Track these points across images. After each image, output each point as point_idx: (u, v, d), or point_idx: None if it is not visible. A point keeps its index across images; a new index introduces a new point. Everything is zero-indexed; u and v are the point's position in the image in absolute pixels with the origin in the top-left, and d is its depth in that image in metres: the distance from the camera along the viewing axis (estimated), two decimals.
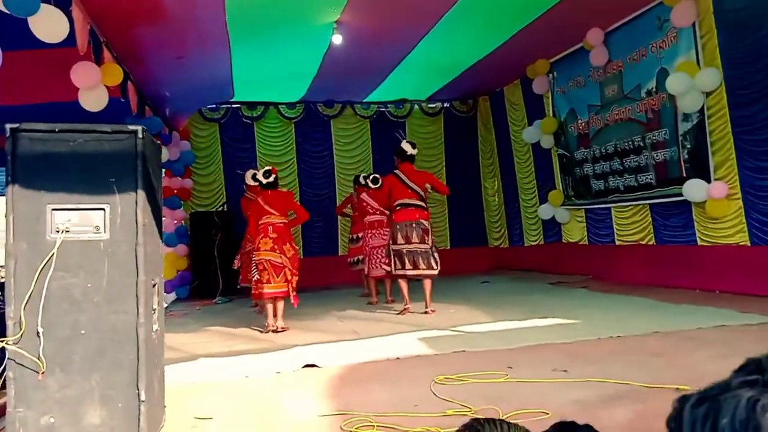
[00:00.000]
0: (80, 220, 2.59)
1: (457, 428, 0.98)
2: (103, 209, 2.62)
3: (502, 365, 3.66)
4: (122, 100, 7.00)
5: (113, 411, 2.51)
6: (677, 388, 2.91)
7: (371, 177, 8.01)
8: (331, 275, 9.91)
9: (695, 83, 6.39)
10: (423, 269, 6.33)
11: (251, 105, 10.81)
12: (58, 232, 2.54)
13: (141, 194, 2.66)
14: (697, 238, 6.71)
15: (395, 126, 11.09)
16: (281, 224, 6.01)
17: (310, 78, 9.34)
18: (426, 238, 6.37)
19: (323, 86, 9.80)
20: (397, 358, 4.10)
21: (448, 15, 7.10)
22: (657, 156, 7.24)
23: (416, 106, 11.50)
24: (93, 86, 6.03)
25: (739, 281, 5.99)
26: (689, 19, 6.50)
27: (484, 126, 11.68)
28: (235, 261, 7.72)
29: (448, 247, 11.19)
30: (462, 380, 3.36)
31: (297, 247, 6.22)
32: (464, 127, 11.63)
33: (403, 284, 6.46)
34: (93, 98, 5.96)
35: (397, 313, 6.41)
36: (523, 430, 0.93)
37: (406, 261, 6.34)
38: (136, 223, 2.64)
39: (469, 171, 11.57)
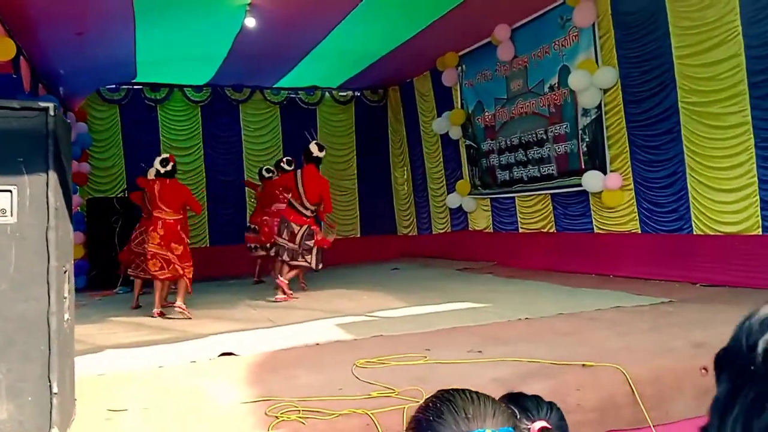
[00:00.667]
0: None
1: (426, 398, 1.01)
2: (10, 191, 2.45)
3: (420, 348, 3.75)
4: (14, 76, 6.52)
5: (22, 405, 2.36)
6: (584, 364, 3.12)
7: (286, 160, 7.99)
8: (239, 264, 9.71)
9: (594, 80, 6.79)
10: (287, 259, 6.76)
11: (155, 87, 10.36)
12: None
13: (52, 175, 2.51)
14: (594, 226, 7.16)
15: (306, 113, 11.02)
16: (171, 221, 5.92)
17: (219, 60, 9.07)
18: (294, 238, 6.74)
19: (232, 70, 9.55)
20: (317, 344, 4.11)
21: (362, 4, 7.12)
22: (558, 148, 7.64)
23: (327, 94, 11.46)
24: None
25: (631, 266, 6.46)
26: (589, 20, 6.89)
27: (394, 116, 11.82)
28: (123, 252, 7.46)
29: (358, 235, 11.28)
30: (383, 363, 3.43)
31: (187, 241, 6.13)
32: (375, 116, 11.72)
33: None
34: None
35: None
36: (491, 398, 0.98)
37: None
38: (47, 206, 2.49)
39: (379, 160, 11.69)
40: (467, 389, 1.00)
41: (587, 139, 7.18)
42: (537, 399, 1.16)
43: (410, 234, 11.49)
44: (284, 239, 6.75)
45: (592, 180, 6.90)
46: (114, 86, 10.13)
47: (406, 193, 11.64)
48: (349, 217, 11.29)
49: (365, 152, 11.52)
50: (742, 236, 5.42)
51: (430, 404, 0.97)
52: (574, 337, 3.84)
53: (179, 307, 5.72)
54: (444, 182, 10.24)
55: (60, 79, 8.58)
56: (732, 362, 0.46)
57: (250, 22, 7.23)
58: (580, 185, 7.11)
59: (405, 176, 11.65)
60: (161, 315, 5.85)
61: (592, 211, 7.19)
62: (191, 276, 5.92)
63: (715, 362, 0.49)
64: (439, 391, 1.02)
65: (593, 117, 7.07)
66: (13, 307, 2.40)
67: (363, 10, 7.29)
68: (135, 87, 10.25)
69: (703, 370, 3.12)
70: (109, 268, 8.39)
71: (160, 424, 2.68)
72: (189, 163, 10.33)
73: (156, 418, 2.76)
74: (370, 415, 2.58)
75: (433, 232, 10.69)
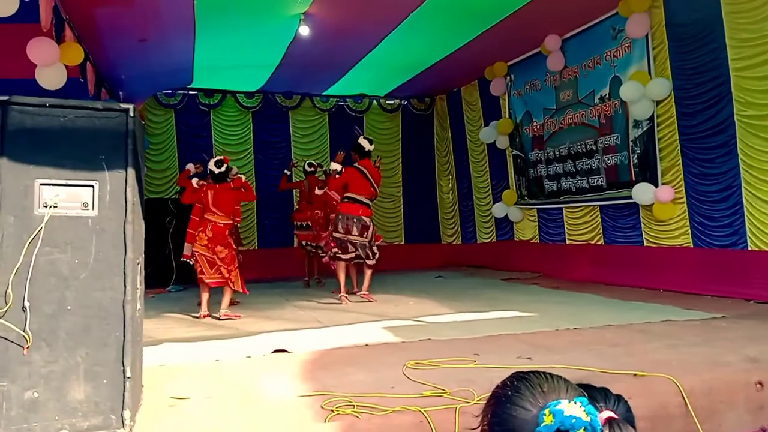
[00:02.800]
0: (68, 196, 2.58)
1: (502, 380, 1.08)
2: (92, 186, 2.62)
3: (468, 352, 3.80)
4: (81, 80, 6.83)
5: (98, 387, 2.51)
6: (635, 374, 3.12)
7: (308, 163, 8.83)
8: (285, 266, 9.90)
9: (646, 92, 6.73)
10: (363, 259, 6.82)
11: (209, 92, 10.67)
12: (46, 207, 2.53)
13: (130, 172, 2.67)
14: (644, 239, 7.07)
15: (354, 120, 11.18)
16: (221, 225, 6.10)
17: (271, 68, 9.30)
18: (365, 233, 6.81)
19: (284, 77, 9.78)
20: (366, 345, 4.20)
21: (413, 15, 7.22)
22: (608, 160, 7.58)
23: (374, 102, 11.60)
24: (50, 63, 5.88)
25: (681, 280, 6.36)
26: (643, 31, 6.83)
27: (440, 124, 11.89)
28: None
29: (402, 243, 11.36)
30: (433, 365, 3.49)
31: (234, 246, 6.32)
32: (421, 124, 11.81)
33: (341, 272, 6.83)
34: (51, 76, 5.81)
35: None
36: (562, 377, 1.05)
37: (349, 247, 6.78)
38: (125, 201, 2.65)
39: (425, 168, 11.76)
40: (538, 371, 1.07)
41: (638, 151, 7.11)
42: (605, 390, 1.21)
43: (454, 243, 11.51)
44: (355, 235, 6.74)
45: (642, 192, 6.83)
46: (170, 91, 10.47)
47: (450, 202, 11.68)
48: (394, 224, 11.39)
49: (411, 160, 11.61)
50: None
51: (508, 382, 1.05)
52: (624, 348, 3.82)
53: (224, 315, 5.81)
54: (490, 191, 10.24)
55: (121, 83, 8.95)
56: None
57: (304, 31, 7.40)
58: (630, 197, 7.04)
59: (450, 185, 11.68)
60: (209, 317, 5.94)
61: (642, 224, 7.10)
62: (238, 280, 6.03)
63: None
64: (513, 373, 1.10)
65: (645, 129, 7.00)
66: (92, 295, 2.56)
67: (413, 21, 7.40)
68: (190, 92, 10.58)
69: (759, 385, 3.09)
70: (163, 267, 8.66)
71: (222, 412, 2.80)
72: (240, 168, 10.57)
73: (218, 406, 2.89)
74: (424, 413, 2.65)
75: (478, 242, 10.69)
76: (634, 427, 1.11)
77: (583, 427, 0.90)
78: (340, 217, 6.84)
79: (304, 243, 8.54)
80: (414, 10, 7.08)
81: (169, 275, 8.51)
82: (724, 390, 3.04)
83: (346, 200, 6.87)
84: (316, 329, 4.94)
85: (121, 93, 9.19)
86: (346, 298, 6.66)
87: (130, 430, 2.50)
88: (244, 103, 10.87)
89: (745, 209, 5.81)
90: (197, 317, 5.90)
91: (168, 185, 10.26)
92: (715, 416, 2.95)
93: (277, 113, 11.01)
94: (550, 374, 1.04)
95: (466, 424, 2.66)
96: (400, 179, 11.53)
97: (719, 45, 5.95)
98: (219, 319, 5.76)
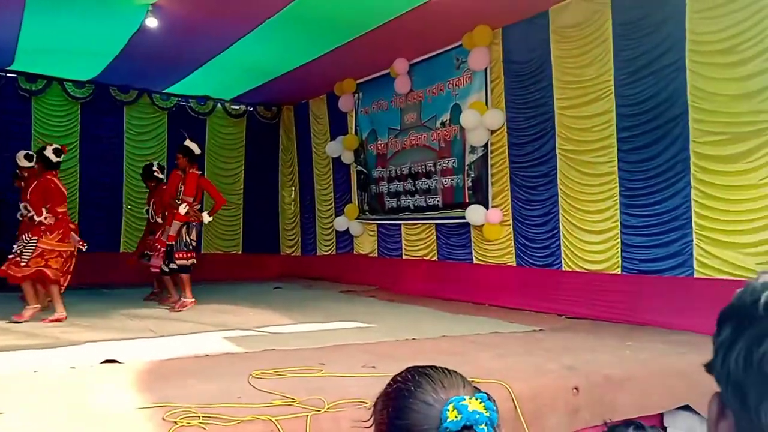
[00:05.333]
0: None
1: (396, 375, 1.10)
2: None
3: (314, 362, 3.80)
4: None
5: None
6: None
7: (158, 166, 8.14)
8: (111, 273, 9.19)
9: (483, 121, 7.27)
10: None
11: (31, 77, 9.62)
12: None
13: None
14: (474, 257, 7.59)
15: (195, 122, 10.72)
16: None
17: (109, 58, 8.63)
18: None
19: (121, 69, 9.11)
20: (207, 355, 4.03)
21: (268, 22, 7.14)
22: (445, 181, 8.05)
23: (219, 105, 11.24)
24: None
25: (505, 296, 6.91)
26: (483, 64, 7.39)
27: (286, 135, 11.82)
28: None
29: (240, 252, 11.07)
30: (279, 374, 3.44)
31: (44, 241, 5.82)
32: (267, 133, 11.64)
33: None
34: None
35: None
36: (459, 373, 1.08)
37: None
38: None
39: (268, 177, 11.59)
40: (435, 365, 1.10)
41: (473, 175, 7.63)
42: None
43: (293, 254, 11.45)
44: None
45: (474, 214, 7.33)
46: None
47: (292, 213, 11.62)
48: (233, 232, 11.07)
49: (254, 168, 11.37)
50: (603, 274, 6.00)
51: (408, 376, 1.06)
52: (460, 357, 4.06)
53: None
54: (333, 205, 10.37)
55: None
56: (736, 314, 0.59)
57: (152, 22, 6.99)
58: (463, 217, 7.53)
59: (293, 196, 11.64)
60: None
61: (472, 243, 7.62)
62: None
63: (719, 316, 0.63)
64: (409, 368, 1.12)
65: (480, 155, 7.54)
66: None
67: (267, 28, 7.32)
68: (9, 75, 9.47)
69: (575, 390, 3.45)
70: None
71: (46, 427, 2.52)
72: (64, 162, 9.63)
73: (40, 421, 2.59)
74: (274, 422, 2.60)
75: (318, 254, 10.74)
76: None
77: (484, 423, 0.94)
78: (194, 225, 6.87)
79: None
80: (269, 18, 7.01)
81: None
82: (547, 395, 3.35)
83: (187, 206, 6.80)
84: (149, 339, 4.65)
85: None
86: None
87: None
88: (72, 93, 9.96)
89: (561, 233, 6.47)
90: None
91: None
92: (539, 419, 3.24)
93: (110, 107, 10.22)
94: (447, 370, 1.07)
95: (317, 431, 2.66)
96: (242, 187, 11.26)
97: (548, 84, 6.61)
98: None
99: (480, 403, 0.96)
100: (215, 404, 2.81)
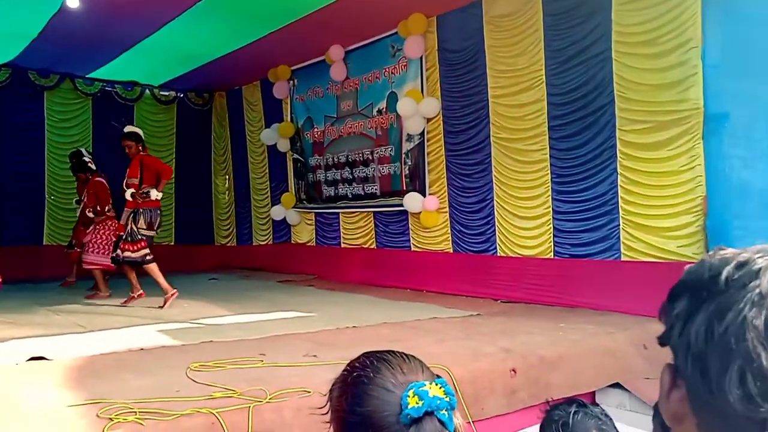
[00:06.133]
0: None
1: (353, 360, 1.08)
2: None
3: (254, 353, 3.75)
4: None
5: None
6: None
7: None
8: (34, 267, 8.75)
9: (419, 109, 7.32)
10: None
11: None
12: None
13: None
14: (411, 244, 7.67)
15: (123, 109, 10.30)
16: None
17: (27, 40, 8.15)
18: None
19: (41, 52, 8.63)
20: (141, 349, 3.90)
21: (198, 5, 6.92)
22: (383, 169, 8.08)
23: (148, 91, 10.82)
24: None
25: (442, 282, 7.02)
26: (418, 52, 7.42)
27: (218, 122, 11.54)
28: None
29: (173, 243, 10.75)
30: (219, 366, 3.38)
31: None
32: (198, 120, 11.31)
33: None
34: None
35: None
36: (417, 358, 1.08)
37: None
38: None
39: (201, 166, 11.26)
40: (393, 350, 1.10)
41: (410, 163, 7.69)
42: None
43: (229, 244, 11.23)
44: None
45: (412, 201, 7.39)
46: None
47: (227, 202, 11.38)
48: (165, 223, 10.70)
49: (185, 156, 11.00)
50: (536, 259, 6.19)
51: (367, 362, 1.05)
52: (401, 344, 4.08)
53: None
54: (269, 194, 10.22)
55: None
56: (692, 288, 0.61)
57: (72, 3, 6.65)
58: (401, 205, 7.58)
59: (227, 185, 11.38)
60: None
61: (410, 230, 7.69)
62: None
63: (671, 291, 0.65)
64: (365, 353, 1.11)
65: (416, 143, 7.59)
66: None
67: (197, 11, 7.08)
68: None
69: (512, 372, 3.55)
70: None
71: None
72: None
73: None
74: (216, 414, 2.56)
75: (254, 244, 10.58)
76: None
77: (444, 408, 0.95)
78: (150, 212, 6.46)
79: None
80: (200, 1, 6.79)
81: None
82: (486, 378, 3.44)
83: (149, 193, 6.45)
84: (79, 334, 4.46)
85: None
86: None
87: None
88: None
89: (495, 219, 6.62)
90: None
91: None
92: (478, 402, 3.32)
93: (29, 92, 9.66)
94: (405, 354, 1.07)
95: (260, 422, 2.63)
96: (173, 175, 10.88)
97: (482, 73, 6.71)
98: None
99: (440, 388, 0.96)
100: (153, 399, 2.73)
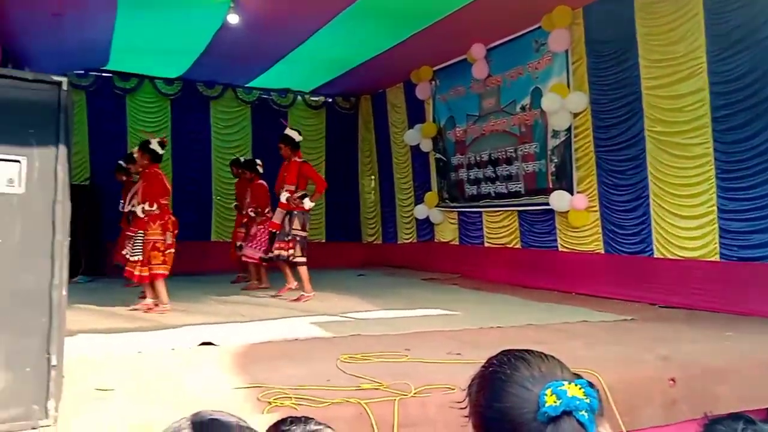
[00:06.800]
0: None
1: (491, 358, 1.08)
2: (19, 161, 2.43)
3: (399, 348, 3.84)
4: None
5: (20, 375, 2.34)
6: None
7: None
8: (203, 261, 9.61)
9: (565, 104, 7.05)
10: None
11: (124, 76, 10.17)
12: None
13: (62, 149, 2.52)
14: (558, 244, 7.41)
15: (278, 115, 10.99)
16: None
17: (195, 55, 8.99)
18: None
19: (207, 66, 9.47)
20: (296, 339, 4.15)
21: (344, 13, 7.20)
22: (527, 167, 7.88)
23: (299, 97, 11.47)
24: None
25: (592, 284, 6.70)
26: (563, 46, 7.15)
27: (364, 125, 11.93)
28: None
29: (323, 240, 11.29)
30: (366, 359, 3.50)
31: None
32: (345, 123, 11.80)
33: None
34: None
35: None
36: (555, 358, 1.06)
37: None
38: (55, 180, 2.49)
39: (348, 167, 11.75)
40: (531, 349, 1.09)
41: (556, 160, 7.43)
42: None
43: (375, 242, 11.58)
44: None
45: (558, 200, 7.14)
46: (83, 72, 9.89)
47: (372, 202, 11.74)
48: (315, 221, 11.28)
49: (334, 158, 11.56)
50: (700, 261, 5.70)
51: (505, 360, 1.05)
52: (546, 346, 3.93)
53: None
54: (412, 193, 10.39)
55: (28, 59, 8.38)
56: None
57: (233, 19, 7.21)
58: (547, 204, 7.35)
59: (372, 185, 11.75)
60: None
61: (557, 230, 7.44)
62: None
63: None
64: (503, 351, 1.11)
65: (562, 139, 7.33)
66: (16, 278, 2.38)
67: (343, 19, 7.38)
68: (104, 75, 10.04)
69: (671, 381, 3.31)
70: (71, 257, 8.16)
71: (152, 404, 2.68)
72: None
73: (146, 398, 2.76)
74: (363, 405, 2.65)
75: (398, 242, 10.81)
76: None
77: (584, 409, 0.92)
78: (306, 216, 6.84)
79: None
80: (345, 8, 7.07)
81: (77, 265, 8.02)
82: (641, 386, 3.23)
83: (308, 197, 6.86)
84: (241, 323, 4.83)
85: (26, 69, 8.59)
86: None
87: (55, 420, 2.34)
88: (162, 90, 10.45)
89: (652, 219, 6.20)
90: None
91: (77, 171, 9.68)
92: (633, 410, 3.13)
93: (198, 102, 10.65)
94: (544, 354, 1.06)
95: (405, 415, 2.69)
96: (323, 177, 11.42)
97: (633, 63, 6.32)
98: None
99: (579, 388, 0.94)
100: (306, 386, 2.89)
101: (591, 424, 0.93)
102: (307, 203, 6.80)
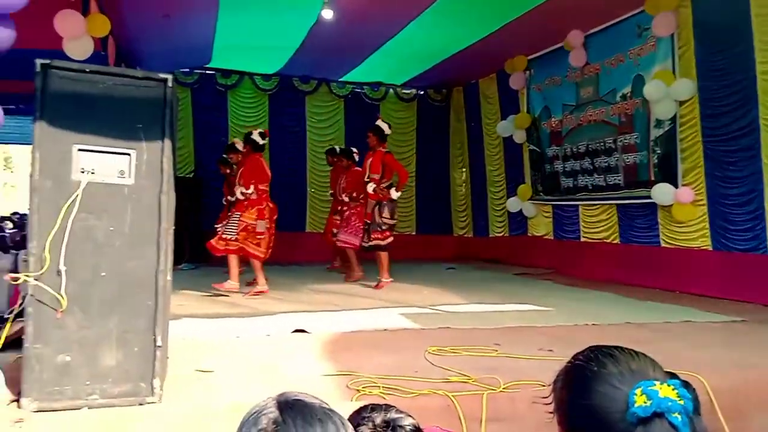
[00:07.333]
0: (105, 164, 2.56)
1: (577, 354, 1.05)
2: (129, 154, 2.60)
3: (488, 342, 3.79)
4: (102, 53, 6.81)
5: (129, 354, 2.51)
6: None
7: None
8: (301, 251, 9.90)
9: (670, 92, 6.66)
10: None
11: (226, 73, 10.63)
12: (83, 173, 2.52)
13: (167, 143, 2.66)
14: (661, 240, 7.03)
15: (370, 108, 11.13)
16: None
17: (291, 51, 9.25)
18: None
19: (302, 61, 9.72)
20: (385, 330, 4.19)
21: (436, 4, 7.16)
22: (627, 159, 7.53)
23: (391, 90, 11.54)
24: (76, 36, 5.87)
25: (699, 282, 6.31)
26: (669, 30, 6.75)
27: (456, 116, 11.84)
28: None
29: (414, 233, 11.33)
30: (454, 352, 3.48)
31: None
32: (437, 115, 11.75)
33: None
34: (78, 47, 5.81)
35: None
36: (647, 356, 1.01)
37: None
38: (162, 172, 2.64)
39: (439, 159, 11.71)
40: (621, 346, 1.04)
41: (658, 151, 7.05)
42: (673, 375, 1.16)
43: (466, 235, 11.48)
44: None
45: (661, 193, 6.78)
46: (188, 70, 10.43)
47: (463, 194, 11.64)
48: (406, 214, 11.34)
49: (425, 151, 11.56)
50: None
51: (592, 356, 1.01)
52: (646, 346, 3.73)
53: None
54: (504, 186, 10.21)
55: (140, 59, 8.93)
56: None
57: (327, 14, 7.35)
58: (648, 197, 6.99)
59: (464, 177, 11.65)
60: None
61: (659, 225, 7.06)
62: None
63: None
64: (591, 347, 1.06)
65: (666, 129, 6.94)
66: (126, 263, 2.55)
67: (435, 10, 7.34)
68: (207, 72, 10.55)
69: None
70: (176, 245, 8.66)
71: (248, 386, 2.80)
72: None
73: (243, 381, 2.89)
74: (451, 397, 2.64)
75: (490, 235, 10.66)
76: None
77: (678, 411, 0.87)
78: (385, 204, 6.97)
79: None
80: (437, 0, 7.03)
81: (181, 253, 8.50)
82: (752, 392, 3.02)
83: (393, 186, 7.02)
84: (333, 312, 4.95)
85: (138, 68, 9.16)
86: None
87: (160, 398, 2.50)
88: (261, 86, 10.84)
89: (766, 213, 5.75)
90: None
91: (182, 164, 10.24)
92: (742, 416, 2.92)
93: (293, 97, 10.96)
94: (634, 351, 1.01)
95: (493, 410, 2.65)
96: (414, 169, 11.47)
97: (747, 47, 5.87)
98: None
99: (673, 389, 0.89)
100: (394, 376, 2.92)
101: (685, 427, 0.88)
102: (394, 193, 6.95)
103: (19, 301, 2.45)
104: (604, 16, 7.65)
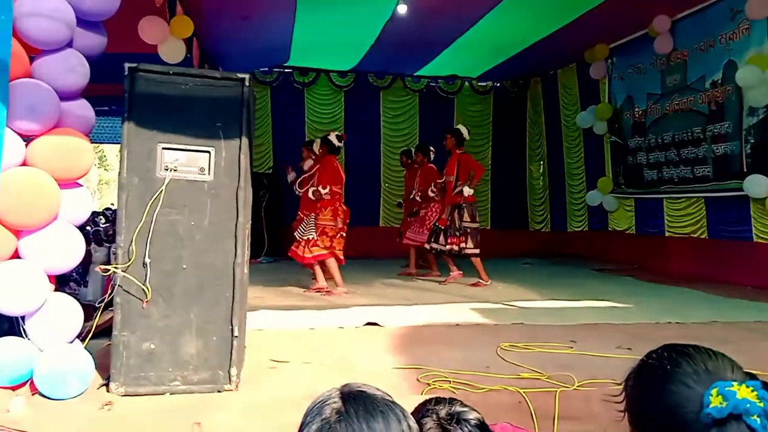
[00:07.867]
0: (187, 161, 2.69)
1: (651, 351, 1.02)
2: (209, 152, 2.72)
3: (563, 339, 3.71)
4: (188, 55, 7.11)
5: (208, 343, 2.63)
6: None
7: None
8: (375, 246, 10.01)
9: (766, 77, 6.26)
10: None
11: (303, 71, 10.86)
12: (167, 170, 2.65)
13: (244, 141, 2.76)
14: (754, 235, 6.62)
15: (444, 102, 11.07)
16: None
17: (366, 47, 9.33)
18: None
19: (377, 56, 9.79)
20: (457, 325, 4.18)
21: None
22: (717, 149, 7.13)
23: (466, 83, 11.42)
24: (160, 41, 6.18)
25: None
26: (764, 12, 6.34)
27: (533, 108, 11.58)
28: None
29: (489, 227, 11.19)
30: (528, 348, 3.43)
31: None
32: (513, 107, 11.54)
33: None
34: (172, 51, 6.11)
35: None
36: (726, 355, 0.97)
37: None
38: (239, 168, 2.74)
39: (515, 152, 11.50)
40: (698, 345, 1.00)
41: (752, 141, 6.64)
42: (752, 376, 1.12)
43: (543, 230, 11.23)
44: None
45: (755, 185, 6.38)
46: (267, 69, 10.73)
47: (541, 188, 11.38)
48: (481, 208, 11.20)
49: (501, 143, 11.38)
50: None
51: (665, 354, 0.98)
52: (732, 346, 3.59)
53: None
54: (584, 179, 9.90)
55: (222, 60, 9.27)
56: None
57: (402, 9, 7.37)
58: (740, 189, 6.60)
59: (541, 170, 11.39)
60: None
61: (752, 218, 6.65)
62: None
63: None
64: (665, 345, 1.03)
65: (761, 117, 6.52)
66: (205, 256, 2.68)
67: (511, 0, 7.20)
68: (285, 70, 10.81)
69: None
70: (256, 239, 8.95)
71: (321, 376, 2.87)
72: None
73: (316, 371, 2.96)
74: (523, 394, 2.61)
75: (568, 230, 10.37)
76: None
77: (757, 414, 0.83)
78: (465, 206, 6.94)
79: None
80: None
81: (261, 247, 8.79)
82: None
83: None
84: (405, 306, 4.98)
85: (220, 69, 9.52)
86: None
87: (237, 386, 2.61)
88: (336, 82, 11.00)
89: None
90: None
91: (261, 160, 10.56)
92: None
93: (368, 93, 11.06)
94: (711, 350, 0.97)
95: (566, 408, 2.60)
96: (489, 162, 11.32)
97: None
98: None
99: (752, 390, 0.84)
100: (464, 371, 2.91)
101: (764, 430, 0.84)
102: (466, 190, 6.84)
103: (109, 291, 2.62)
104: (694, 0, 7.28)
